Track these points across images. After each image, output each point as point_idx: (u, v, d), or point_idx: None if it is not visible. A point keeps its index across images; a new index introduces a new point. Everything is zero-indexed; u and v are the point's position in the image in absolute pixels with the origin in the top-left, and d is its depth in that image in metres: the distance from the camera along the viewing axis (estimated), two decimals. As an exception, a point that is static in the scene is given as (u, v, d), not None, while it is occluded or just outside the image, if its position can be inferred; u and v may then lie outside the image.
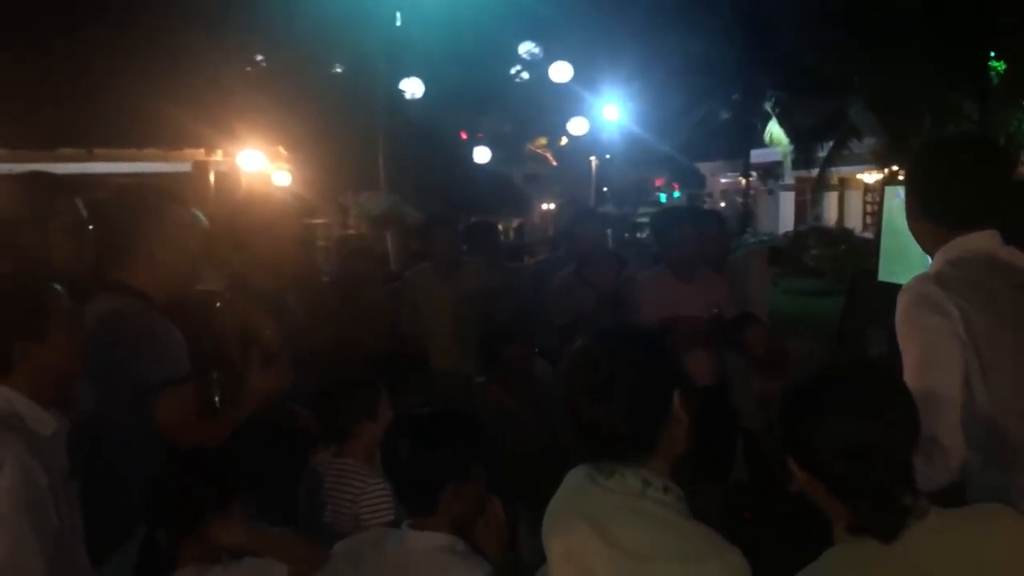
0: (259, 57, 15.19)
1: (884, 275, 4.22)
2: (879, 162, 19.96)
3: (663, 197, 29.94)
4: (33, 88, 10.05)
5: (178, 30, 11.71)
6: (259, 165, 11.39)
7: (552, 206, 15.31)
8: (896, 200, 4.22)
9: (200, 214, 3.34)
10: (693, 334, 4.16)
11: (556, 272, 5.02)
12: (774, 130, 24.77)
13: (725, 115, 26.30)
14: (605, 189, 24.04)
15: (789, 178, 27.86)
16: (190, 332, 2.88)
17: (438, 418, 2.43)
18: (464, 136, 21.16)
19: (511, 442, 3.58)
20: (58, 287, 2.22)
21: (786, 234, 6.17)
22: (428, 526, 2.26)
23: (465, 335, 4.73)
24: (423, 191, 12.35)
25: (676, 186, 29.94)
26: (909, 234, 2.35)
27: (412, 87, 15.18)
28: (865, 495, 1.61)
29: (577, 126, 18.79)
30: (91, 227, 2.89)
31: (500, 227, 10.55)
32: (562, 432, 1.85)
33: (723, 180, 32.63)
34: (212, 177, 11.59)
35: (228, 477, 2.47)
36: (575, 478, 1.84)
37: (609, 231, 6.21)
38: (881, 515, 1.61)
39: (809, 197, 26.10)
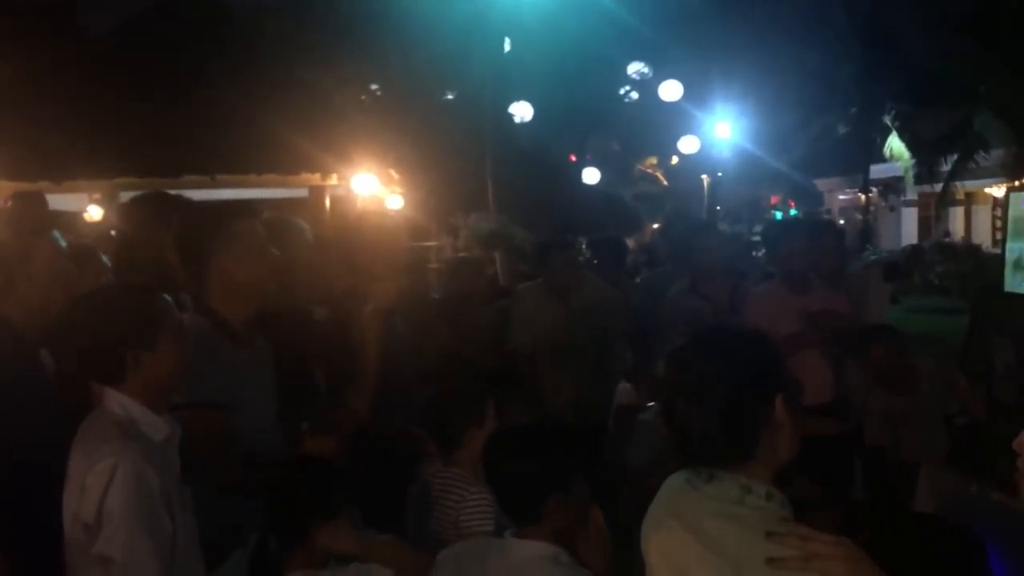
0: (373, 86, 15.61)
1: (1010, 285, 4.02)
2: (1008, 174, 19.00)
3: (779, 215, 29.21)
4: (160, 118, 10.57)
5: (296, 61, 12.16)
6: (372, 189, 11.66)
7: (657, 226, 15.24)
8: (1023, 205, 4.02)
9: (305, 226, 3.42)
10: (810, 348, 4.02)
11: (665, 287, 4.94)
12: (894, 144, 23.86)
13: (842, 129, 25.50)
14: (718, 208, 23.64)
15: (911, 193, 26.77)
16: (279, 349, 2.91)
17: (540, 430, 2.45)
18: (573, 158, 21.21)
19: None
20: (167, 298, 2.31)
21: (904, 248, 5.91)
22: (531, 535, 2.26)
23: (581, 351, 4.70)
24: (532, 212, 12.40)
25: (792, 203, 29.19)
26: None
27: (521, 111, 15.34)
28: None
29: (688, 144, 18.58)
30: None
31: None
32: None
33: (841, 197, 31.63)
34: (328, 201, 11.94)
35: (336, 487, 2.52)
36: (674, 483, 1.79)
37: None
38: None
39: (933, 213, 25.03)
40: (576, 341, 4.71)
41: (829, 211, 32.00)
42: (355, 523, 2.55)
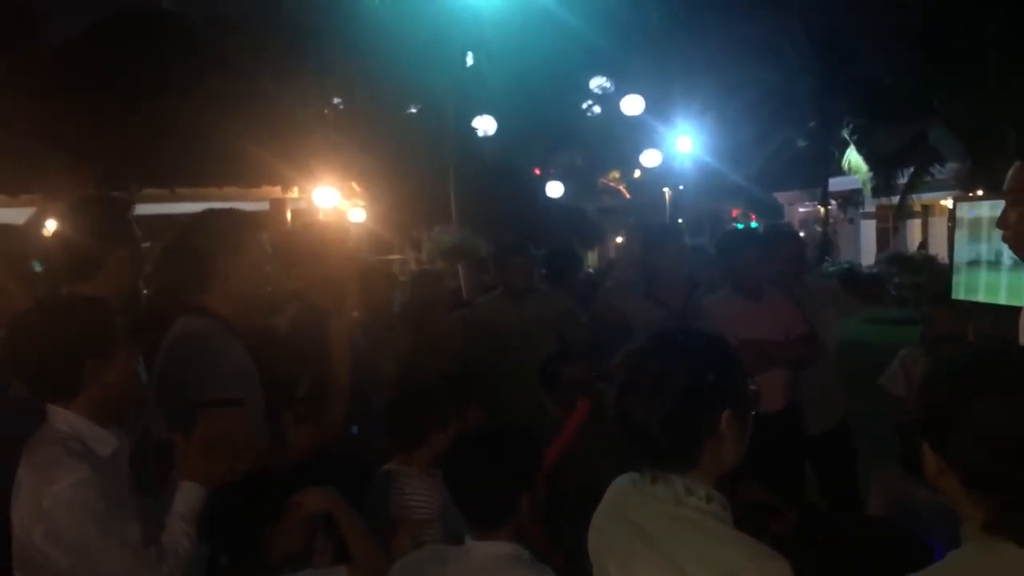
0: (336, 99, 15.58)
1: (962, 293, 4.10)
2: (963, 187, 19.41)
3: (740, 227, 29.52)
4: (119, 130, 10.48)
5: (258, 73, 12.12)
6: (334, 202, 11.64)
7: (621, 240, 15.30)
8: (970, 215, 4.11)
9: (264, 235, 3.43)
10: (763, 357, 4.08)
11: (624, 295, 4.99)
12: (852, 157, 24.28)
13: (801, 143, 25.91)
14: (680, 220, 23.81)
15: (870, 206, 27.22)
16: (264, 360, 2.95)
17: (503, 432, 2.47)
18: (538, 172, 21.26)
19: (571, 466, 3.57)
20: (112, 308, 2.31)
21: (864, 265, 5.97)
22: (492, 537, 2.28)
23: (538, 359, 4.73)
24: (495, 225, 12.45)
25: (753, 216, 29.50)
26: (984, 250, 2.29)
27: (484, 125, 15.36)
28: (1003, 491, 1.47)
29: (650, 158, 18.69)
30: (167, 252, 2.99)
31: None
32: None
33: (801, 209, 32.07)
34: (289, 214, 11.90)
35: (284, 499, 2.51)
36: (620, 484, 1.82)
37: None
38: (1017, 516, 1.46)
39: (891, 225, 25.46)
40: (532, 349, 4.75)
41: (789, 224, 32.41)
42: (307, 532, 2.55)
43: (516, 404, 4.50)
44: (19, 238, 3.35)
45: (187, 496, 2.30)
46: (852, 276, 5.29)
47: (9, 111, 10.36)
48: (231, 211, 3.05)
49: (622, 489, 1.81)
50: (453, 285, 9.61)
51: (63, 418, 2.20)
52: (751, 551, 1.64)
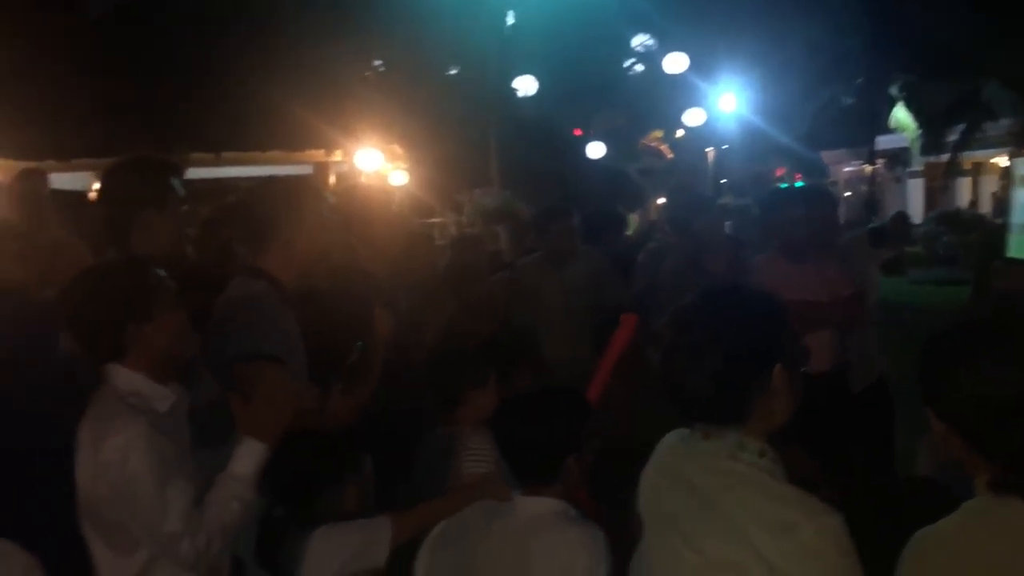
0: (377, 62, 15.56)
1: (1017, 251, 4.03)
2: (1016, 143, 18.91)
3: (784, 187, 29.06)
4: (165, 96, 10.59)
5: (300, 37, 12.14)
6: (376, 165, 11.67)
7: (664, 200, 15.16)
8: (1025, 173, 4.03)
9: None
10: (810, 318, 4.05)
11: (666, 257, 4.98)
12: (900, 115, 23.73)
13: (848, 101, 25.36)
14: (723, 181, 23.52)
15: (917, 164, 26.67)
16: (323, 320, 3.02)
17: (550, 393, 2.50)
18: (579, 133, 21.10)
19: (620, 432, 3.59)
20: (159, 271, 2.36)
21: (893, 215, 5.78)
22: (541, 493, 2.32)
23: (578, 324, 4.74)
24: (536, 187, 12.40)
25: (798, 176, 29.05)
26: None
27: (525, 85, 15.25)
28: (1004, 451, 1.52)
29: (693, 117, 18.48)
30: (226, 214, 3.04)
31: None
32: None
33: (847, 169, 31.49)
34: (332, 178, 11.97)
35: (340, 455, 2.59)
36: (670, 441, 1.84)
37: (728, 223, 6.13)
38: (1019, 475, 1.50)
39: (940, 183, 24.94)
40: (573, 313, 4.76)
41: (835, 183, 31.91)
42: (363, 490, 2.61)
43: (557, 367, 4.53)
44: (82, 201, 3.42)
45: (248, 454, 2.35)
46: (880, 232, 5.22)
47: (59, 80, 10.52)
48: (297, 178, 3.13)
49: (672, 446, 1.82)
50: (494, 248, 9.61)
51: (121, 375, 2.28)
52: (806, 506, 1.65)
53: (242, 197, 3.02)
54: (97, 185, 3.18)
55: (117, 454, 2.15)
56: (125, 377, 2.27)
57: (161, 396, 2.30)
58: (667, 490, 1.79)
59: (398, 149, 12.32)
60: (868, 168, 26.92)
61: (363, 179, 11.37)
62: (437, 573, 2.49)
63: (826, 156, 30.33)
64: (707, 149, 24.03)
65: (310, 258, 2.91)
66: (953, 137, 21.83)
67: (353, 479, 2.56)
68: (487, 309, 4.95)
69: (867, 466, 4.28)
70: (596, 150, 18.00)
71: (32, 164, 8.86)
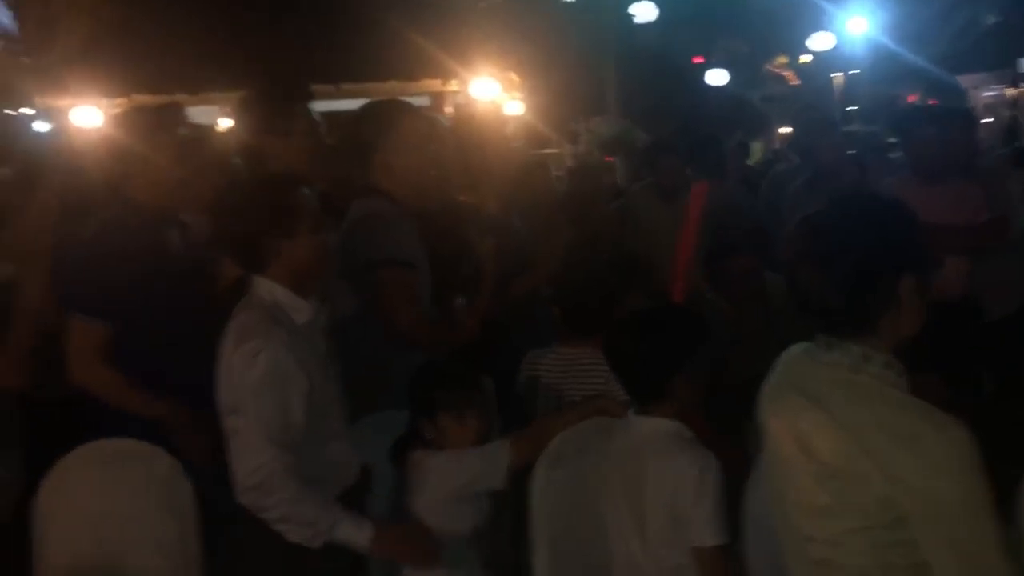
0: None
1: None
2: None
3: (918, 106, 27.57)
4: (285, 28, 10.76)
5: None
6: (492, 94, 11.62)
7: (790, 129, 14.52)
8: None
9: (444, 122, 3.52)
10: (943, 242, 3.87)
11: (791, 182, 4.84)
12: (1050, 33, 22.08)
13: (990, 20, 23.72)
14: (851, 108, 22.53)
15: (1067, 87, 24.83)
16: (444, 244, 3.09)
17: (663, 311, 2.49)
18: (699, 60, 20.49)
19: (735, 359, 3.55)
20: (305, 189, 2.42)
21: None
22: (655, 413, 2.32)
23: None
24: (655, 115, 12.14)
25: (933, 102, 27.55)
26: None
27: (644, 11, 14.82)
28: None
29: (821, 41, 17.72)
30: (338, 142, 3.14)
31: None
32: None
33: (987, 94, 29.55)
34: (448, 108, 11.99)
35: (463, 376, 2.66)
36: (792, 354, 1.80)
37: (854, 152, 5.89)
38: None
39: (1092, 108, 23.18)
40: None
41: (973, 109, 30.12)
42: (487, 408, 2.67)
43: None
44: (212, 134, 3.60)
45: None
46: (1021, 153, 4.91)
47: (181, 15, 10.81)
48: (391, 100, 3.21)
49: (794, 358, 1.78)
50: (608, 180, 9.51)
51: (263, 286, 2.38)
52: (934, 418, 1.60)
53: (347, 120, 3.12)
54: (224, 119, 3.33)
55: (247, 359, 2.25)
56: (267, 288, 2.37)
57: (299, 309, 2.39)
58: (788, 401, 1.75)
59: (514, 78, 12.21)
60: (1010, 92, 25.24)
61: (480, 108, 11.36)
62: (552, 490, 2.54)
63: (964, 80, 28.60)
64: (834, 74, 22.99)
65: (414, 177, 2.96)
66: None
67: (475, 400, 2.62)
68: (606, 237, 4.94)
69: (999, 393, 4.12)
70: (717, 77, 17.49)
71: (165, 98, 9.22)
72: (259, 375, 2.25)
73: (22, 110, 10.72)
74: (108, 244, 2.79)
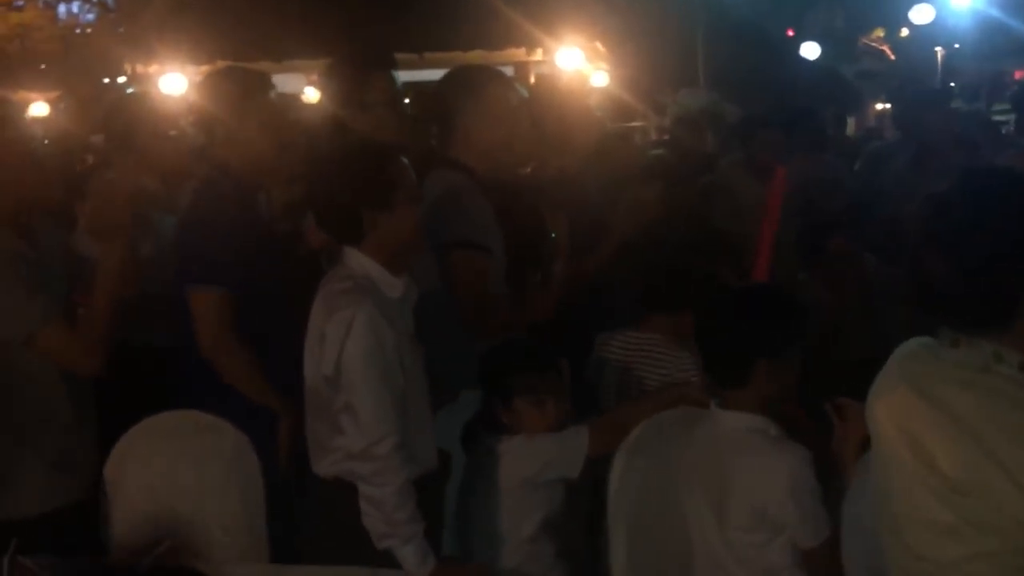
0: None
1: None
2: None
3: (1029, 89, 26.38)
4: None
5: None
6: (578, 64, 11.42)
7: (887, 105, 13.93)
8: None
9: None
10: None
11: (892, 159, 4.59)
12: None
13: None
14: (953, 84, 21.65)
15: None
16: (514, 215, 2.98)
17: (754, 292, 2.38)
18: (791, 33, 19.94)
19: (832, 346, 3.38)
20: (404, 160, 2.33)
21: None
22: (738, 405, 2.20)
23: (783, 232, 4.49)
24: (745, 89, 11.78)
25: (1043, 78, 26.29)
26: None
27: (734, -20, 14.46)
28: None
29: (921, 14, 17.02)
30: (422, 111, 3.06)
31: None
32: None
33: (1100, 71, 28.17)
34: (532, 78, 11.85)
35: (540, 360, 2.56)
36: (908, 349, 1.59)
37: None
38: None
39: None
40: (780, 224, 4.51)
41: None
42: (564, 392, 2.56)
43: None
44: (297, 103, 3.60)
45: None
46: None
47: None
48: (478, 66, 3.12)
49: (912, 355, 1.57)
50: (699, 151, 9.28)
51: (355, 258, 2.30)
52: None
53: (431, 87, 3.03)
54: (310, 87, 3.30)
55: (341, 329, 2.18)
56: (358, 260, 2.29)
57: (390, 284, 2.30)
58: (902, 404, 1.55)
59: (600, 48, 11.99)
60: None
61: (564, 78, 11.20)
62: (632, 480, 2.44)
63: (1076, 56, 27.23)
64: (935, 49, 22.11)
65: (495, 147, 2.87)
66: None
67: (554, 384, 2.52)
68: (689, 212, 4.78)
69: None
70: (810, 50, 16.99)
71: (250, 66, 9.29)
72: (361, 346, 2.18)
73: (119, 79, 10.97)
74: (209, 211, 2.74)
